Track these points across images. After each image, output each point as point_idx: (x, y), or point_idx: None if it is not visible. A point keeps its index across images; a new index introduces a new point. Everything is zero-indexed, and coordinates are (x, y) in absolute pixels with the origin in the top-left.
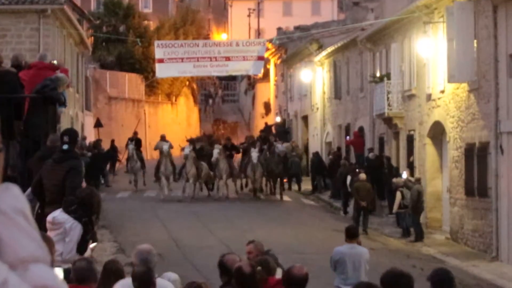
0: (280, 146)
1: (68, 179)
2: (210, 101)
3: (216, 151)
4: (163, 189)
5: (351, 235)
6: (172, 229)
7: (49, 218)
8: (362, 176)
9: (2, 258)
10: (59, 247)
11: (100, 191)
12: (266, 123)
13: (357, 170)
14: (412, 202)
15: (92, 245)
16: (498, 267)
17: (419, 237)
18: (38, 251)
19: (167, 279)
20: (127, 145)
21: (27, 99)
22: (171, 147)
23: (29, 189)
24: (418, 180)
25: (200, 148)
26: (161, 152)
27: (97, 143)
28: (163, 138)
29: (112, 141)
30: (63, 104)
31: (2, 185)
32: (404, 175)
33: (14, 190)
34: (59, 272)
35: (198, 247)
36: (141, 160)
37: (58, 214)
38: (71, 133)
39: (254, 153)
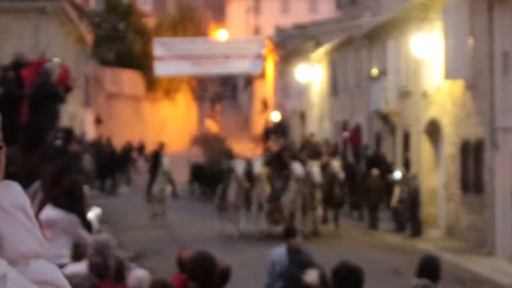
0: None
1: (64, 179)
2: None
3: (259, 163)
4: (238, 223)
5: (290, 235)
6: (172, 225)
7: (43, 217)
8: (375, 172)
9: (2, 254)
10: (62, 241)
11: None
12: (267, 122)
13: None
14: (410, 198)
15: (95, 213)
16: (493, 262)
17: (417, 232)
18: (38, 247)
19: (135, 276)
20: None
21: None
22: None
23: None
24: (415, 176)
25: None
26: (229, 173)
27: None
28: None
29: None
30: (62, 99)
31: (3, 182)
32: (398, 174)
33: (14, 186)
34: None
35: (197, 243)
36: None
37: (50, 212)
38: (66, 131)
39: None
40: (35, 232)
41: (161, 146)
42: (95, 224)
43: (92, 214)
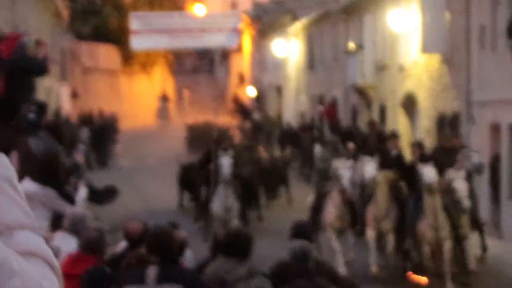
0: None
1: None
2: None
3: (372, 165)
4: (341, 254)
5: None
6: (147, 197)
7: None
8: (350, 145)
9: None
10: (40, 213)
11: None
12: (237, 97)
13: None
14: None
15: (82, 195)
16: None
17: None
18: (24, 218)
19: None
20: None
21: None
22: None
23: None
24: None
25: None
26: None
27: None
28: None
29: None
30: (41, 71)
31: None
32: None
33: (1, 158)
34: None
35: (172, 215)
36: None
37: (26, 186)
38: (40, 105)
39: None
40: (21, 204)
41: (220, 140)
42: (81, 204)
43: (80, 195)
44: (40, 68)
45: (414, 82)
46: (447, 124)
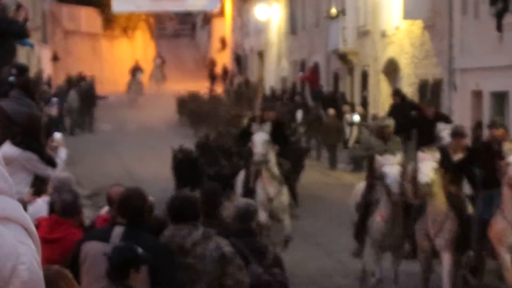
0: None
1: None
2: None
3: (429, 165)
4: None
5: None
6: (127, 163)
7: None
8: (331, 111)
9: None
10: (20, 177)
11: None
12: (212, 61)
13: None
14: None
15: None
16: None
17: None
18: (1, 183)
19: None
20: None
21: None
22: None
23: None
24: (376, 117)
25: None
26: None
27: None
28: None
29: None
30: (22, 35)
31: None
32: (357, 117)
33: None
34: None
35: (152, 180)
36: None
37: (7, 150)
38: (20, 67)
39: None
40: None
41: (255, 116)
42: (61, 166)
43: (60, 157)
44: (20, 31)
45: (396, 49)
46: (429, 91)
